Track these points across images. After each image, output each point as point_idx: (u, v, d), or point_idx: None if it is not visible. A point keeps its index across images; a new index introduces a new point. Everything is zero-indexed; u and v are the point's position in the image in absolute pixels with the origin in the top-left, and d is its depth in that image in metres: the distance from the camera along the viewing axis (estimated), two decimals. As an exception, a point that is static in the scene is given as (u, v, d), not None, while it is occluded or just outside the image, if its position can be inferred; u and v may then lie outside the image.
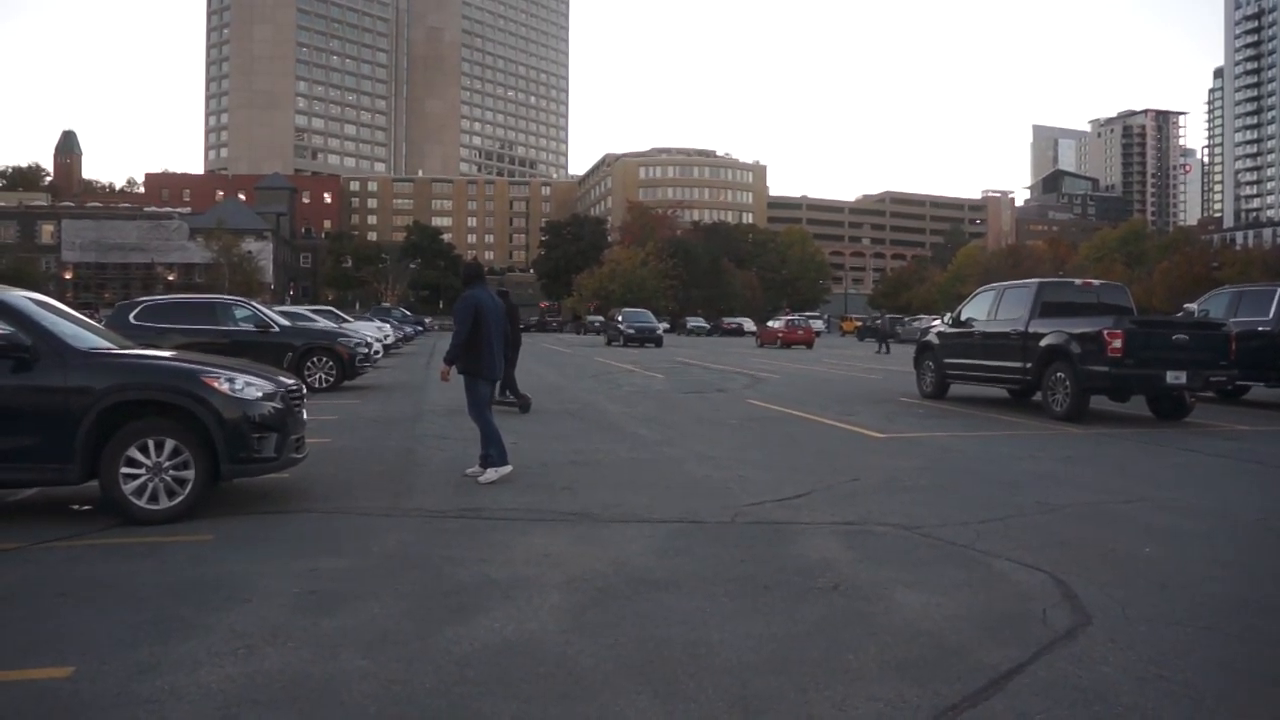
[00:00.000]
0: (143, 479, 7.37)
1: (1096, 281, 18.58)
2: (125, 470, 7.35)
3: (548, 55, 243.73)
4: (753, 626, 5.08)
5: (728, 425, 14.55)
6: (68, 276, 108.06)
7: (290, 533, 7.21)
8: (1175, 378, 14.52)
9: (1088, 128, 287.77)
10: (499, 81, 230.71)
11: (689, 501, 8.45)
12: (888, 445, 12.44)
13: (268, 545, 6.80)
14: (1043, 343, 15.56)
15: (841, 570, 6.20)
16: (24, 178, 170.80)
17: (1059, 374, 15.24)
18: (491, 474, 9.39)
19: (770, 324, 57.67)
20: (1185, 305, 22.73)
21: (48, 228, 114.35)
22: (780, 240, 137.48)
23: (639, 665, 4.51)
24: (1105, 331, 14.56)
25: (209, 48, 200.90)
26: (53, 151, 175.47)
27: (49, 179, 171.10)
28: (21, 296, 8.20)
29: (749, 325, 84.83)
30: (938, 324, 20.55)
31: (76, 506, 8.14)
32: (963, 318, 18.31)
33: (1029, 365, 15.88)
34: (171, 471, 7.43)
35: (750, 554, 6.63)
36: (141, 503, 7.38)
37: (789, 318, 58.25)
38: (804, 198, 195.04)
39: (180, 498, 7.45)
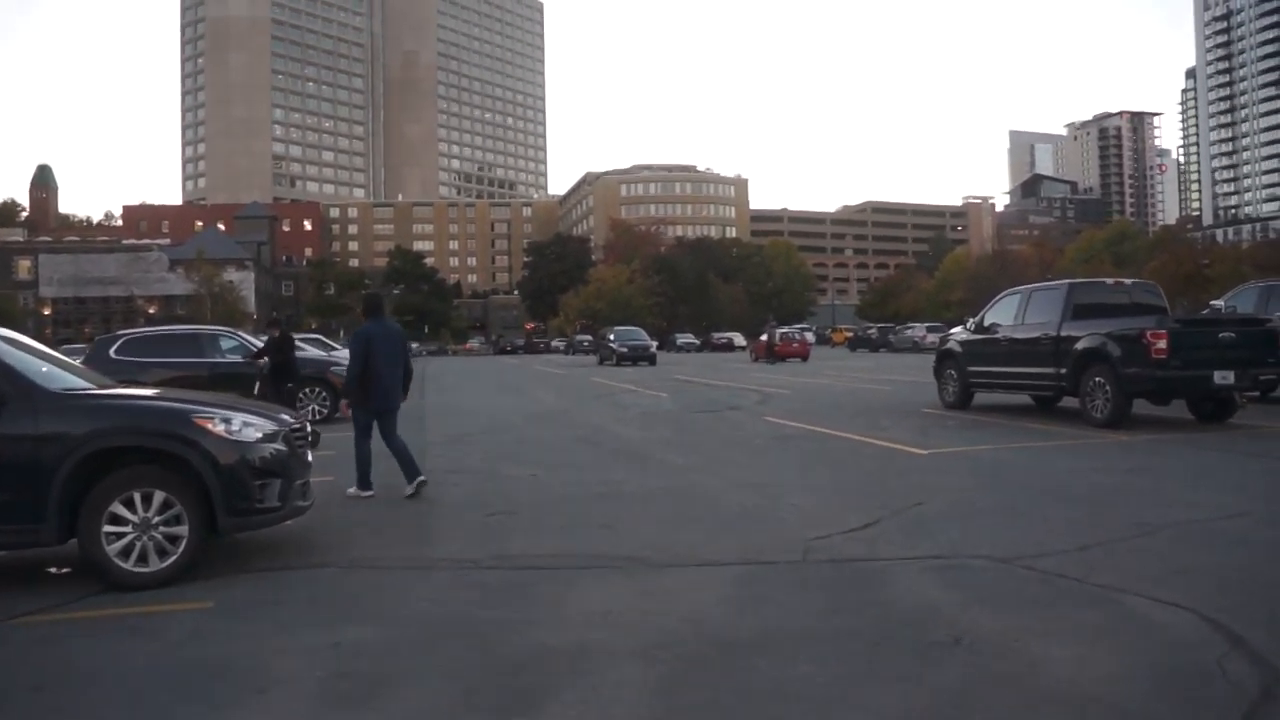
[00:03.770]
0: (129, 538, 6.39)
1: (1128, 280, 17.87)
2: (109, 528, 6.36)
3: (524, 76, 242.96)
4: (885, 698, 4.17)
5: (754, 446, 13.65)
6: (46, 313, 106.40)
7: (302, 595, 6.25)
8: (1223, 378, 13.71)
9: (1064, 131, 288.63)
10: (476, 104, 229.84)
11: (747, 538, 7.53)
12: (934, 462, 11.55)
13: (278, 611, 5.84)
14: (1078, 346, 14.75)
15: (954, 618, 5.29)
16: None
17: (1098, 378, 14.41)
18: (354, 491, 9.91)
19: (763, 337, 56.55)
20: (1212, 302, 22.01)
21: (24, 264, 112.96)
22: (764, 253, 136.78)
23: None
24: (1148, 332, 13.75)
25: (184, 77, 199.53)
26: (28, 186, 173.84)
27: (25, 214, 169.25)
28: (-18, 333, 7.24)
29: (739, 340, 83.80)
30: (958, 331, 19.71)
31: (54, 569, 7.12)
32: (986, 323, 17.46)
33: (1063, 370, 15.05)
34: (162, 528, 6.45)
35: (840, 601, 5.72)
36: (128, 565, 6.40)
37: (782, 330, 57.06)
38: (785, 210, 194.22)
39: (172, 558, 6.48)
